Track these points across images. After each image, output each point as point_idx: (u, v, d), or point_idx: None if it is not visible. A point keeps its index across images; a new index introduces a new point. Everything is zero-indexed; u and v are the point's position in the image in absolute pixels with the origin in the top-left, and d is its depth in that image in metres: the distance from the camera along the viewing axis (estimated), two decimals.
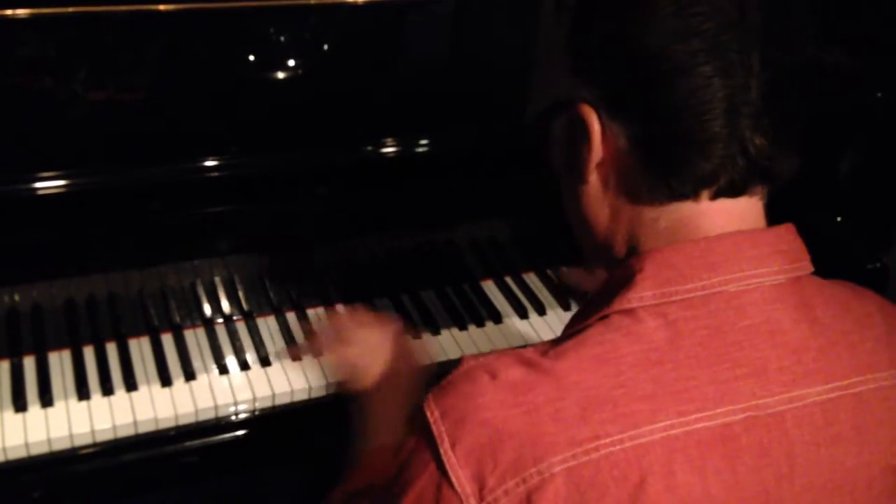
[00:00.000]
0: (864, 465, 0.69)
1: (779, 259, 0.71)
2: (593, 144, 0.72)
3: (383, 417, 1.08)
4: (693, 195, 0.71)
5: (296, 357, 1.26)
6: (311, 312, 1.37)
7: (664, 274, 0.70)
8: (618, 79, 0.71)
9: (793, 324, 0.70)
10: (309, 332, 1.29)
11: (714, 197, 0.71)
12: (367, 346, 1.16)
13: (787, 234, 0.74)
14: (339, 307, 1.39)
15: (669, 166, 0.70)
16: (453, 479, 0.64)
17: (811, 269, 0.74)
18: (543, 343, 0.72)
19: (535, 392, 0.65)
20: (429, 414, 0.67)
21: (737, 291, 0.69)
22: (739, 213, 0.72)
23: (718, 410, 0.65)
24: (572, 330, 0.72)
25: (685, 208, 0.72)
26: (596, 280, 1.37)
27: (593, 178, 0.75)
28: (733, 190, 0.71)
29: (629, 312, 0.69)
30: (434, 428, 0.66)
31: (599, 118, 0.71)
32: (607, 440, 0.63)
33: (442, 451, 0.65)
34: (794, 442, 0.67)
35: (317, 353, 1.24)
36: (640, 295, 0.69)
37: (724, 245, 0.70)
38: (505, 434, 0.64)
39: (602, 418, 0.64)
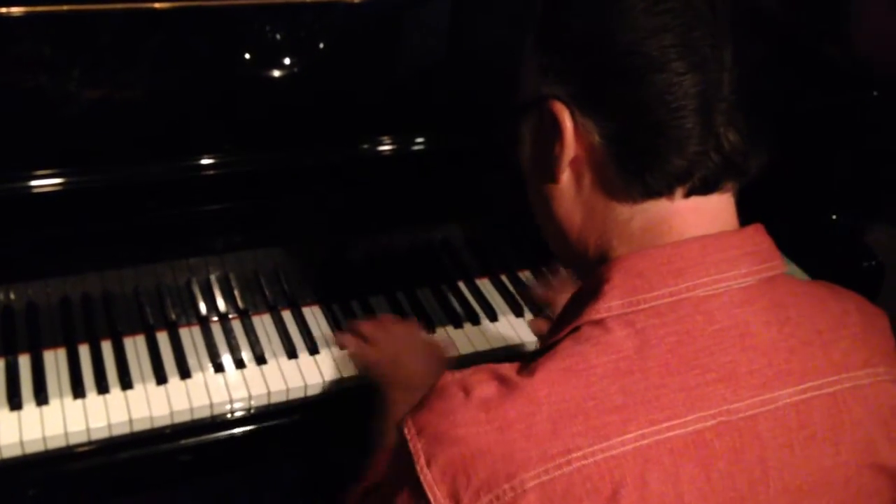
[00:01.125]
0: (841, 464, 0.69)
1: (747, 261, 0.71)
2: (566, 142, 0.72)
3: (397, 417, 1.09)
4: (668, 192, 0.71)
5: (341, 343, 1.29)
6: (306, 310, 1.36)
7: (631, 282, 0.69)
8: (590, 75, 0.70)
9: (763, 326, 0.69)
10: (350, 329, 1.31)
11: (688, 194, 0.71)
12: (398, 344, 1.22)
13: (755, 235, 0.73)
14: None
15: (644, 162, 0.70)
16: (430, 497, 0.65)
17: (783, 268, 0.74)
18: (521, 359, 0.71)
19: (507, 407, 0.65)
20: (406, 431, 0.68)
21: (705, 296, 0.69)
22: (711, 211, 0.72)
23: (689, 417, 0.65)
24: (545, 344, 0.72)
25: (659, 206, 0.72)
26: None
27: (565, 177, 0.74)
28: (706, 187, 0.71)
29: (598, 323, 0.69)
30: (411, 445, 0.67)
31: (572, 115, 0.71)
32: (579, 454, 0.63)
33: (418, 468, 0.65)
34: (767, 445, 0.67)
35: (352, 347, 1.27)
36: (608, 305, 0.69)
37: (690, 250, 0.70)
38: (477, 451, 0.64)
39: (573, 431, 0.64)
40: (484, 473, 0.63)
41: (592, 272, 0.73)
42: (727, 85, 0.68)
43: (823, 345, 0.71)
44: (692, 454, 0.65)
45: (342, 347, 1.28)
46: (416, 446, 0.66)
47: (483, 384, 0.67)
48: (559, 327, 0.72)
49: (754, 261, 0.71)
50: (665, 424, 0.65)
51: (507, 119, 0.79)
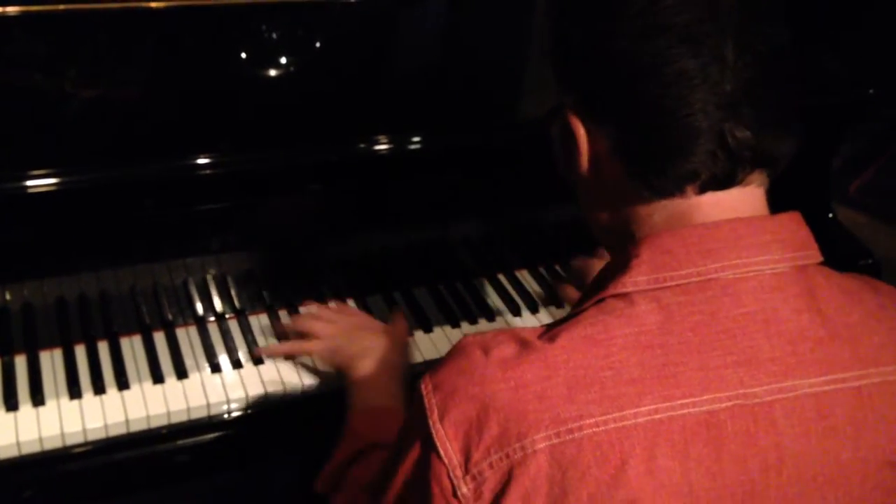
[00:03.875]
0: (860, 459, 0.69)
1: (780, 247, 0.71)
2: (581, 149, 0.74)
3: (366, 383, 1.13)
4: (678, 192, 0.71)
5: (258, 355, 1.26)
6: (303, 310, 1.36)
7: (660, 259, 0.70)
8: (590, 83, 0.72)
9: (792, 313, 0.69)
10: (279, 333, 1.30)
11: (701, 191, 0.71)
12: (336, 332, 1.22)
13: (790, 223, 0.73)
14: (331, 304, 1.38)
15: (647, 166, 0.71)
16: (441, 451, 0.66)
17: (819, 258, 0.73)
18: (544, 325, 0.72)
19: (523, 368, 0.66)
20: (423, 387, 0.69)
21: (734, 279, 0.69)
22: (731, 203, 0.72)
23: (704, 397, 0.65)
24: (570, 313, 0.73)
25: (675, 204, 0.72)
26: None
27: (588, 180, 0.77)
28: (718, 184, 0.71)
29: (624, 297, 0.70)
30: (426, 400, 0.68)
31: (584, 123, 0.73)
32: (590, 420, 0.64)
33: (431, 422, 0.67)
34: (784, 433, 0.67)
35: (279, 354, 1.25)
36: (635, 279, 0.70)
37: (722, 232, 0.70)
38: (491, 408, 0.65)
39: (588, 399, 0.64)
40: (496, 431, 0.64)
41: (621, 250, 0.75)
42: (729, 82, 0.67)
43: (852, 338, 0.70)
44: (703, 434, 0.65)
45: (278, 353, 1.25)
46: (431, 401, 0.68)
47: (503, 345, 0.68)
48: (585, 298, 0.74)
49: (787, 248, 0.71)
50: (679, 402, 0.65)
51: (543, 122, 0.81)
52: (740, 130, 0.68)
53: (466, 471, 0.65)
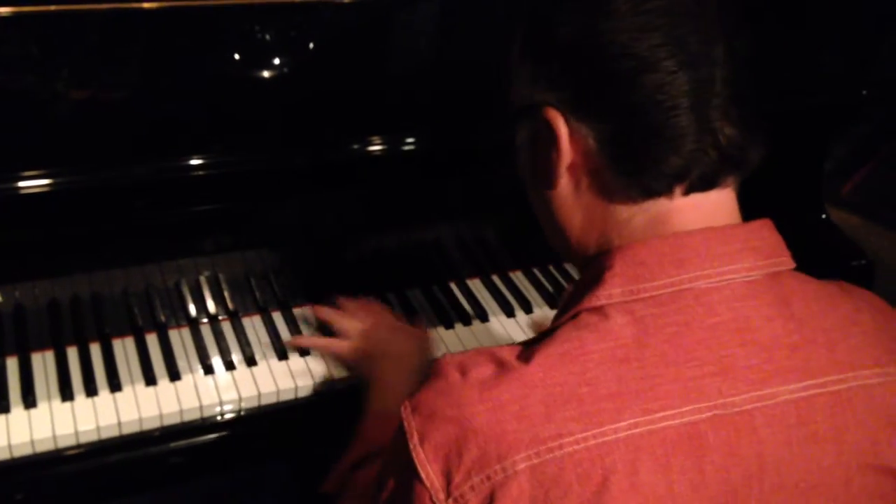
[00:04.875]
0: (842, 464, 0.69)
1: (751, 255, 0.71)
2: (562, 148, 0.72)
3: (385, 388, 1.12)
4: (667, 191, 0.71)
5: (295, 345, 1.27)
6: (297, 311, 1.36)
7: (633, 271, 0.70)
8: (581, 80, 0.71)
9: (764, 321, 0.69)
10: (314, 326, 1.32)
11: (687, 192, 0.71)
12: (364, 332, 1.22)
13: (761, 230, 0.73)
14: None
15: (640, 164, 0.71)
16: (422, 474, 0.66)
17: (792, 265, 0.74)
18: (521, 343, 0.72)
19: (501, 389, 0.66)
20: (403, 410, 0.69)
21: (706, 288, 0.69)
22: (711, 206, 0.72)
23: (684, 409, 0.65)
24: (546, 329, 0.72)
25: (658, 205, 0.72)
26: None
27: (563, 183, 0.75)
28: (705, 184, 0.71)
29: (598, 310, 0.69)
30: (405, 423, 0.68)
31: (566, 120, 0.72)
32: (570, 438, 0.64)
33: (411, 446, 0.67)
34: (765, 441, 0.66)
35: (310, 346, 1.27)
36: (609, 292, 0.70)
37: (693, 241, 0.70)
38: (470, 431, 0.65)
39: (566, 416, 0.64)
40: (476, 453, 0.64)
41: (593, 262, 0.74)
42: (720, 80, 0.68)
43: (828, 343, 0.70)
44: (685, 446, 0.65)
45: (311, 347, 1.27)
46: (411, 424, 0.68)
47: (480, 366, 0.68)
48: (561, 314, 0.73)
49: (759, 255, 0.71)
50: (659, 415, 0.65)
51: (506, 126, 0.80)
52: (729, 129, 0.69)
53: (448, 494, 0.65)
